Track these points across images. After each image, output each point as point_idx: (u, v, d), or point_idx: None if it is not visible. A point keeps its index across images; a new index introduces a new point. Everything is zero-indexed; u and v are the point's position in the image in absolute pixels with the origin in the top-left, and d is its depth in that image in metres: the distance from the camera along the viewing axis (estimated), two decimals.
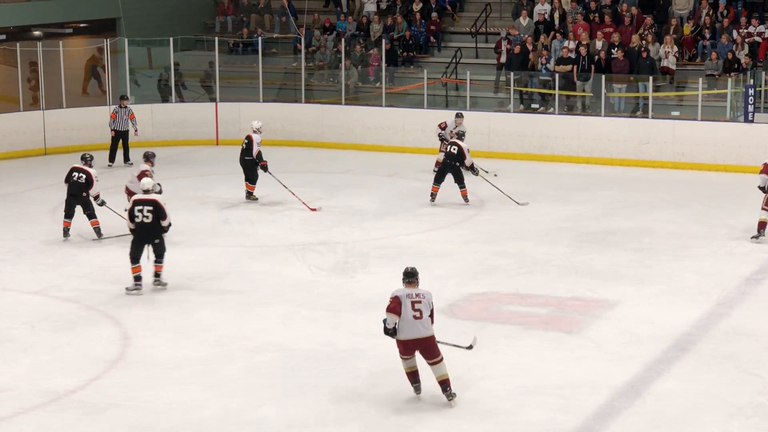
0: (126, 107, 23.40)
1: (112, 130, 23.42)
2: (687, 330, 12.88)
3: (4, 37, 27.05)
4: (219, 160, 24.57)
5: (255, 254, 16.60)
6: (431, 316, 10.68)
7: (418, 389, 10.83)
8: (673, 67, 24.84)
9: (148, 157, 17.14)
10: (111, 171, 21.91)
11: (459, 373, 11.57)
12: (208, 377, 11.54)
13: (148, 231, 14.43)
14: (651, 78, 23.99)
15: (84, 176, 16.97)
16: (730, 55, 24.18)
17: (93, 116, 25.66)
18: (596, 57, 25.04)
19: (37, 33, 28.81)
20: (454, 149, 19.57)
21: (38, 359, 12.12)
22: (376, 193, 20.94)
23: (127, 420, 10.43)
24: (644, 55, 24.39)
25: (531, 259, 16.05)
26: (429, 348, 10.65)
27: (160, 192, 14.97)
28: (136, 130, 23.41)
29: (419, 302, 10.59)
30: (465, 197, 19.73)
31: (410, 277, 10.75)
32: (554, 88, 24.70)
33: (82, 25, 30.16)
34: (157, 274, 14.70)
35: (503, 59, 26.38)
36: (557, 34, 26.12)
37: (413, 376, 10.83)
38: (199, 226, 17.92)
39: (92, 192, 16.98)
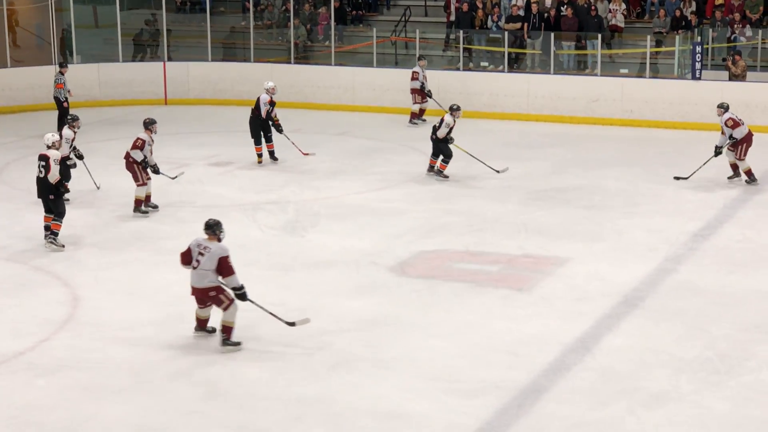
0: (65, 74, 22.54)
1: (65, 100, 22.40)
2: (636, 286, 12.98)
3: None
4: (168, 120, 24.34)
5: (205, 214, 16.46)
6: (221, 270, 11.03)
7: (197, 329, 11.50)
8: (622, 25, 24.93)
9: (147, 125, 16.78)
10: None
11: (408, 332, 11.62)
12: (160, 337, 11.50)
13: (42, 185, 14.61)
14: (599, 36, 24.08)
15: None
16: (677, 13, 24.30)
17: (38, 76, 25.37)
18: (546, 15, 25.06)
19: None
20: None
21: None
22: (326, 152, 20.88)
23: (78, 381, 10.39)
24: (593, 12, 24.46)
25: (481, 217, 16.09)
26: (208, 298, 11.17)
27: (57, 148, 14.87)
28: (68, 93, 22.76)
29: (202, 254, 11.09)
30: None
31: (207, 228, 11.27)
32: (504, 46, 24.69)
33: None
34: (51, 232, 14.65)
35: (453, 17, 26.34)
36: None
37: (198, 323, 11.49)
38: (148, 184, 17.75)
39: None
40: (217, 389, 10.19)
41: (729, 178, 17.78)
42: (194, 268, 11.12)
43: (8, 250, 14.74)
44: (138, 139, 16.46)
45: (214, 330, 11.39)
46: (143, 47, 28.03)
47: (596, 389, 10.11)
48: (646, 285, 13.06)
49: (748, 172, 17.59)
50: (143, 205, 16.46)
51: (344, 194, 17.53)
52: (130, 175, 16.42)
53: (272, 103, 19.77)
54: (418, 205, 16.84)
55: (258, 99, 19.83)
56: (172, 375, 10.53)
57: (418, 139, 21.85)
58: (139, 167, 16.36)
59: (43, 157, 14.60)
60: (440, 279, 13.43)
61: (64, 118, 22.12)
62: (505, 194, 17.40)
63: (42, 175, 14.55)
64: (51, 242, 14.58)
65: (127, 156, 16.43)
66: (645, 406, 9.73)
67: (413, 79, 23.74)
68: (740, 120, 17.48)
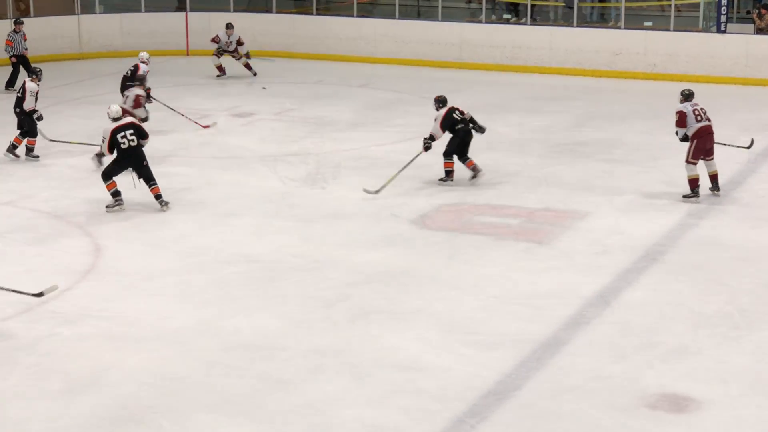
0: (20, 31, 22.43)
1: (12, 56, 22.35)
2: (656, 240, 12.96)
3: None
4: (190, 71, 24.40)
5: (226, 165, 16.55)
6: None
7: None
8: None
9: (141, 81, 16.83)
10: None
11: (427, 284, 11.65)
12: (180, 288, 11.56)
13: (137, 154, 14.17)
14: None
15: (20, 91, 16.83)
16: None
17: (61, 26, 25.39)
18: None
19: None
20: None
21: (9, 270, 12.07)
22: (347, 104, 20.86)
23: (99, 330, 10.45)
24: None
25: (502, 170, 16.06)
26: None
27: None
28: (26, 49, 22.45)
29: None
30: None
31: None
32: None
33: None
34: (158, 196, 14.24)
35: None
36: None
37: None
38: (170, 137, 17.80)
39: (25, 106, 16.60)
40: (237, 340, 10.24)
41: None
42: None
43: (32, 199, 14.80)
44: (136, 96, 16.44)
45: None
46: None
47: (615, 343, 10.12)
48: (667, 239, 13.04)
49: (693, 181, 14.57)
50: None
51: (365, 146, 17.52)
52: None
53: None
54: (438, 157, 16.77)
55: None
56: (193, 325, 10.58)
57: (439, 91, 21.74)
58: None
59: (130, 125, 14.19)
60: (460, 232, 13.43)
61: (16, 75, 21.98)
62: (526, 147, 17.36)
63: (135, 144, 14.08)
64: (164, 204, 14.28)
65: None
66: (664, 361, 9.74)
67: (214, 41, 24.08)
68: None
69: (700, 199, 14.44)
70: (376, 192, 14.91)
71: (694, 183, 14.53)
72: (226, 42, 24.00)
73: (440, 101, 15.64)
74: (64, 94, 21.49)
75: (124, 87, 18.98)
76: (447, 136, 15.41)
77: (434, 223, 13.76)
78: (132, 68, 19.07)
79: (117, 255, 12.66)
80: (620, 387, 9.24)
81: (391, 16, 25.73)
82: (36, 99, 16.64)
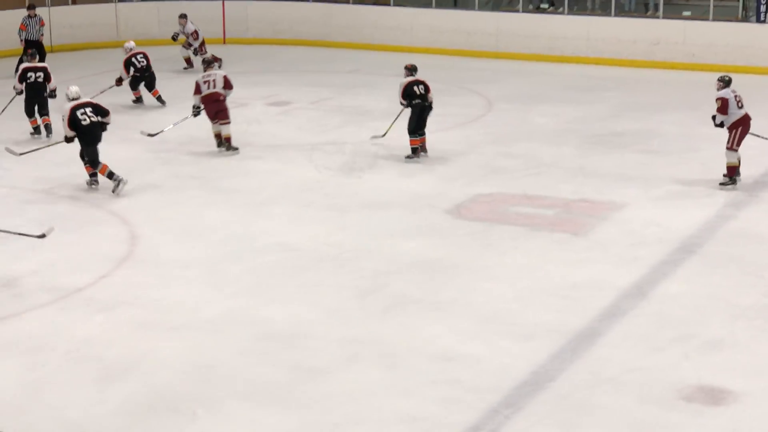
0: (35, 16, 22.41)
1: (22, 40, 22.26)
2: (693, 232, 12.88)
3: None
4: (226, 60, 24.40)
5: (262, 154, 16.58)
6: None
7: None
8: None
9: (210, 62, 16.96)
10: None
11: (463, 274, 11.63)
12: (215, 276, 11.60)
13: (96, 131, 14.43)
14: None
15: (42, 74, 17.10)
16: None
17: (98, 14, 25.49)
18: None
19: None
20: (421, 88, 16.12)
21: (46, 257, 12.15)
22: (383, 93, 20.80)
23: (135, 317, 10.51)
24: None
25: (538, 161, 16.01)
26: None
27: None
28: (42, 35, 22.57)
29: None
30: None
31: None
32: None
33: None
34: (93, 174, 14.64)
35: None
36: None
37: None
38: (206, 125, 17.82)
39: (51, 86, 17.16)
40: (271, 329, 10.26)
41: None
42: None
43: (68, 187, 14.89)
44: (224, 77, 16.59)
45: None
46: None
47: (651, 335, 10.07)
48: (704, 231, 12.96)
49: (731, 168, 14.54)
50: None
51: (401, 135, 17.46)
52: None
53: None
54: (474, 147, 16.78)
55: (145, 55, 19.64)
56: (227, 313, 10.62)
57: (476, 81, 21.76)
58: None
59: (88, 104, 14.52)
60: (496, 222, 13.40)
61: (23, 58, 21.98)
62: (563, 138, 17.29)
63: (96, 119, 14.38)
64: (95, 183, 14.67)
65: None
66: (700, 353, 9.68)
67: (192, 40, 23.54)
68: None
69: (737, 187, 14.36)
70: (383, 135, 16.33)
71: (733, 170, 14.51)
72: (188, 34, 23.37)
73: (408, 69, 16.19)
74: (101, 82, 21.53)
75: (143, 78, 19.20)
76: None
77: (470, 213, 13.74)
78: (142, 57, 19.43)
79: (153, 243, 12.72)
80: (656, 379, 9.20)
81: (428, 5, 25.67)
82: None
